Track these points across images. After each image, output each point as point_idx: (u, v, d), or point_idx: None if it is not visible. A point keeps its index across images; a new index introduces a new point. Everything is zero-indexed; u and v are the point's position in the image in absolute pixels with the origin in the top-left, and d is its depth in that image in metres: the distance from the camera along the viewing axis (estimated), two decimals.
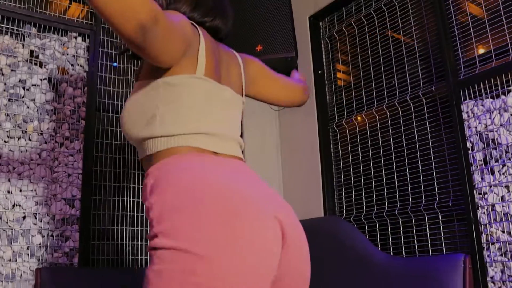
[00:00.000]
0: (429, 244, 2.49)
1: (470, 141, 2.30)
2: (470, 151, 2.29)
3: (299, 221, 1.28)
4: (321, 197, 3.03)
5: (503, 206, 2.13)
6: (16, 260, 2.35)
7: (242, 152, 1.32)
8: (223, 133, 1.24)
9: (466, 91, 2.34)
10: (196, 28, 1.26)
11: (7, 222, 2.37)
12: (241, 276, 1.00)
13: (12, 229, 2.38)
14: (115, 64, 2.86)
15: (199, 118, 1.21)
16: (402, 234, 2.62)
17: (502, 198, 2.14)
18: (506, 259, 2.10)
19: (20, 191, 2.44)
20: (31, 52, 2.62)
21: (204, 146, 1.18)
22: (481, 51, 2.36)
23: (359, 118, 2.94)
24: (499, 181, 2.16)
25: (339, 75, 3.18)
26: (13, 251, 2.36)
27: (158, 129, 1.17)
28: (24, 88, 2.55)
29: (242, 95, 1.43)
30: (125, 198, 2.74)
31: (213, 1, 1.37)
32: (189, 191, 1.04)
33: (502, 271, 2.11)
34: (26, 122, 2.52)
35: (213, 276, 0.97)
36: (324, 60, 3.22)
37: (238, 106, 1.37)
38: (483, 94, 2.27)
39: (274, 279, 1.09)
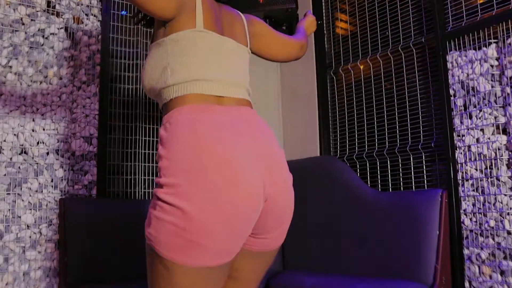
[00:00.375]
0: (413, 181, 2.76)
1: (453, 89, 2.52)
2: (452, 98, 2.51)
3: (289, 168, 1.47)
4: (317, 138, 3.29)
5: (477, 147, 2.38)
6: (42, 191, 2.64)
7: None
8: (227, 78, 1.41)
9: (452, 42, 2.53)
10: None
11: (33, 158, 2.64)
12: (223, 232, 1.21)
13: (37, 163, 2.65)
14: (123, 12, 3.04)
15: (204, 66, 1.37)
16: (389, 172, 2.89)
17: (477, 140, 2.39)
18: (477, 194, 2.36)
19: (43, 129, 2.69)
20: (48, 2, 2.81)
21: (210, 91, 1.35)
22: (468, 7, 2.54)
23: (354, 66, 3.15)
24: (475, 125, 2.39)
25: (337, 23, 3.36)
26: (39, 183, 2.64)
27: (169, 79, 1.36)
28: (43, 36, 2.76)
29: (247, 47, 1.60)
30: (137, 137, 3.00)
31: None
32: (194, 157, 1.22)
33: (474, 204, 2.38)
34: (47, 68, 2.75)
35: (197, 232, 1.18)
36: (323, 11, 3.40)
37: (243, 55, 1.53)
38: (467, 46, 2.47)
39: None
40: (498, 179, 2.30)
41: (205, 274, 1.22)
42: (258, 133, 1.37)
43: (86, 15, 2.92)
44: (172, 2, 1.33)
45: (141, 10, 1.32)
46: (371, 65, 3.04)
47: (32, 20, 2.73)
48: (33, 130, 2.67)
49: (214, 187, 1.19)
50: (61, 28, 2.82)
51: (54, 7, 2.81)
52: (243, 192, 1.22)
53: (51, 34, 2.78)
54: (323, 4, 3.40)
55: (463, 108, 2.47)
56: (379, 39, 3.00)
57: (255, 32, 1.65)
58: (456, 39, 2.52)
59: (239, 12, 1.63)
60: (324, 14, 3.40)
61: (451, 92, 2.52)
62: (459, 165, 2.46)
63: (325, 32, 3.38)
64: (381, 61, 2.98)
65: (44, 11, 2.78)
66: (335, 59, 3.30)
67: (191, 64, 1.36)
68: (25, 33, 2.70)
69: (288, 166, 1.47)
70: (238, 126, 1.32)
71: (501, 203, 2.28)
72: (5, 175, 2.56)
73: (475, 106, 2.41)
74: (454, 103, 2.50)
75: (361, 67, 3.11)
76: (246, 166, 1.25)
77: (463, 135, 2.45)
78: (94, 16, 2.95)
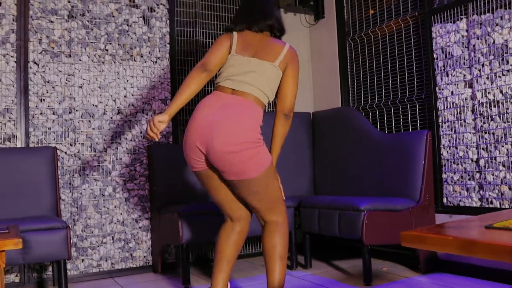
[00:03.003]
0: (409, 125, 3.61)
1: (436, 53, 3.31)
2: (435, 60, 3.31)
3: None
4: (339, 93, 4.15)
5: (452, 98, 3.19)
6: (134, 140, 3.66)
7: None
8: (241, 80, 2.32)
9: (436, 17, 3.30)
10: (232, 32, 2.41)
11: (126, 116, 3.65)
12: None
13: (130, 120, 3.66)
14: None
15: (230, 72, 2.34)
16: (393, 118, 3.74)
17: (452, 92, 3.20)
18: (452, 132, 3.20)
19: (132, 95, 3.69)
20: None
21: (226, 85, 2.33)
22: None
23: (367, 33, 3.95)
24: (451, 81, 3.20)
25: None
26: (132, 134, 3.66)
27: (217, 79, 2.39)
28: (127, 24, 3.71)
29: (273, 63, 2.41)
30: (199, 98, 3.95)
31: (242, 15, 2.47)
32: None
33: (449, 141, 3.22)
34: (132, 49, 3.71)
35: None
36: None
37: (265, 68, 2.32)
38: (447, 19, 3.24)
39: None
40: (465, 121, 3.12)
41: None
42: (229, 110, 2.24)
43: (157, 4, 3.83)
44: (224, 54, 2.38)
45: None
46: (379, 33, 3.84)
47: (119, 13, 3.68)
48: (125, 96, 3.66)
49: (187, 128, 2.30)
50: (140, 17, 3.76)
51: (133, 1, 3.74)
52: (189, 134, 2.28)
53: (133, 22, 3.73)
54: None
55: (443, 68, 3.26)
56: (385, 12, 3.78)
57: (287, 65, 2.42)
58: (438, 14, 3.29)
59: (285, 43, 2.45)
60: None
61: (435, 56, 3.31)
62: (439, 111, 3.28)
63: (344, 5, 4.17)
64: (386, 30, 3.77)
65: (127, 5, 3.72)
66: (352, 27, 4.10)
67: (224, 72, 2.37)
68: (115, 23, 3.66)
69: (239, 133, 2.26)
70: (220, 104, 2.26)
71: (467, 138, 3.11)
72: (109, 129, 3.59)
73: (450, 67, 3.21)
74: (437, 64, 3.30)
75: (372, 35, 3.91)
76: (197, 122, 2.26)
77: (442, 89, 3.26)
78: (163, 5, 3.86)
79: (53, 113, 3.43)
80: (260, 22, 2.44)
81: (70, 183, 3.44)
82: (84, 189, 3.48)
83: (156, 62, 3.80)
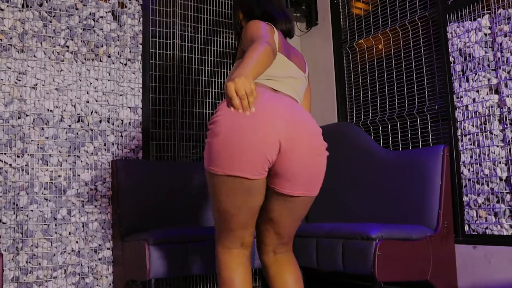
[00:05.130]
0: (420, 140, 3.11)
1: (452, 56, 2.85)
2: (452, 64, 2.85)
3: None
4: (335, 106, 3.66)
5: (473, 106, 2.72)
6: (97, 154, 3.08)
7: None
8: (284, 82, 1.86)
9: (452, 15, 2.87)
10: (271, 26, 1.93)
11: (88, 125, 3.07)
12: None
13: (92, 130, 3.08)
14: None
15: (270, 72, 1.80)
16: (399, 133, 3.25)
17: (474, 100, 2.73)
18: (474, 147, 2.71)
19: (96, 101, 3.12)
20: None
21: (271, 85, 1.82)
22: None
23: (367, 40, 3.50)
24: (472, 87, 2.73)
25: (351, 2, 3.70)
26: (94, 147, 3.08)
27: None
28: (93, 19, 3.18)
29: (306, 77, 2.04)
30: (176, 108, 3.41)
31: (275, 11, 2.05)
32: None
33: (471, 156, 2.73)
34: (97, 47, 3.17)
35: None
36: None
37: (300, 79, 1.97)
38: (465, 17, 2.80)
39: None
40: (491, 133, 2.64)
41: None
42: (299, 107, 1.84)
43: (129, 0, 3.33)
44: (275, 50, 1.75)
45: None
46: (382, 39, 3.39)
47: (84, 5, 3.15)
48: (87, 101, 3.10)
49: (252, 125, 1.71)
50: (108, 12, 3.24)
51: None
52: (266, 129, 1.71)
53: (100, 17, 3.20)
54: None
55: (461, 73, 2.81)
56: (389, 15, 3.34)
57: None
58: (455, 12, 2.85)
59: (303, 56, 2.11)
60: None
61: (451, 59, 2.86)
62: (458, 123, 2.80)
63: (340, 10, 3.73)
64: (390, 35, 3.32)
65: None
66: (350, 35, 3.65)
67: (269, 70, 1.80)
68: (79, 16, 3.13)
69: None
70: (286, 100, 1.81)
71: (494, 153, 2.62)
72: (66, 139, 3.00)
73: (471, 70, 2.75)
74: (454, 68, 2.84)
75: (373, 41, 3.46)
76: (276, 114, 1.71)
77: (461, 97, 2.79)
78: (136, 0, 3.35)
79: None
80: (291, 25, 2.11)
81: (14, 203, 2.81)
82: (32, 210, 2.85)
83: (126, 64, 3.26)
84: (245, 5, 2.10)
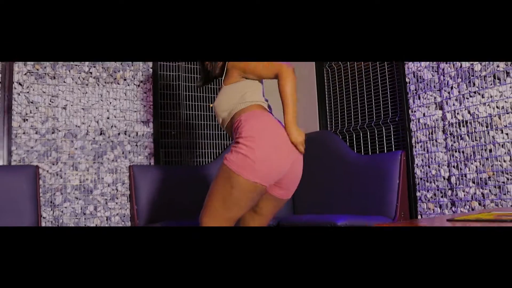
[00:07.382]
0: (385, 146, 3.73)
1: (408, 77, 3.47)
2: (408, 84, 3.46)
3: None
4: (317, 117, 4.28)
5: (424, 119, 3.34)
6: (117, 160, 3.72)
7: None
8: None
9: None
10: None
11: (109, 137, 3.72)
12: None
13: (112, 141, 3.73)
14: None
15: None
16: (369, 140, 3.87)
17: (424, 114, 3.34)
18: (424, 152, 3.33)
19: (115, 117, 3.76)
20: None
21: (265, 107, 2.38)
22: None
23: (344, 62, 4.12)
24: (422, 104, 3.35)
25: None
26: (114, 155, 3.72)
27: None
28: None
29: None
30: (181, 121, 4.04)
31: None
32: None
33: (422, 160, 3.35)
34: (115, 72, 3.81)
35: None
36: None
37: None
38: None
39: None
40: (436, 141, 3.26)
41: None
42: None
43: None
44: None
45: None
46: (355, 62, 4.00)
47: None
48: (108, 118, 3.74)
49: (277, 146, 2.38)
50: None
51: None
52: (288, 152, 2.46)
53: None
54: None
55: (415, 91, 3.42)
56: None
57: None
58: None
59: None
60: None
61: (407, 80, 3.47)
62: (412, 132, 3.42)
63: None
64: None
65: None
66: None
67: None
68: None
69: None
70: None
71: (439, 157, 3.24)
72: (91, 149, 3.65)
73: (422, 90, 3.36)
74: (409, 88, 3.46)
75: (348, 63, 4.08)
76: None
77: (415, 111, 3.41)
78: None
79: (36, 133, 3.48)
80: None
81: (51, 201, 3.47)
82: (65, 207, 3.51)
83: (139, 85, 3.90)
84: None
